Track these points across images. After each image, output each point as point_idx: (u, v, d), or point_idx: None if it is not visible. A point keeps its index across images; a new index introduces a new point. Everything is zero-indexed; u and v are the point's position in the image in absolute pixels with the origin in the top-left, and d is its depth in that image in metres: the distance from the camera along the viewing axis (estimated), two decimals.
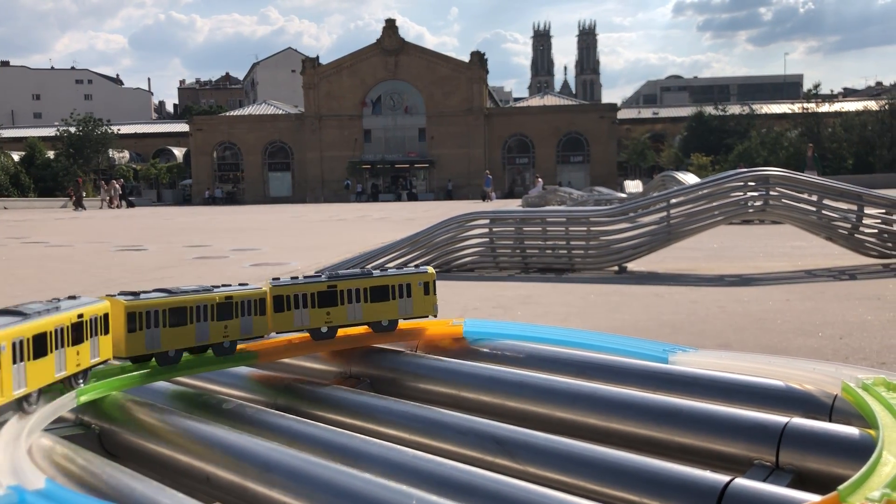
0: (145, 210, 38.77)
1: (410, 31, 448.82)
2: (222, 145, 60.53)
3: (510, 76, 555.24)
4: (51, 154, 55.14)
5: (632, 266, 7.16)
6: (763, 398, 1.38)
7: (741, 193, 6.99)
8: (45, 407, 1.24)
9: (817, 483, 1.12)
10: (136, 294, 1.45)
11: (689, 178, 15.02)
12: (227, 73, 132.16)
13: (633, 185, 26.02)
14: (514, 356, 1.78)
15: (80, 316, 1.28)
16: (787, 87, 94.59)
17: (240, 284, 1.63)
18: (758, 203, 6.99)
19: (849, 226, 7.13)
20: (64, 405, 1.30)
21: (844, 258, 7.26)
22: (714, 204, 7.04)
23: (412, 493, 1.00)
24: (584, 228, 7.29)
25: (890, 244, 7.13)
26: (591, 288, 6.06)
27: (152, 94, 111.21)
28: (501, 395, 1.56)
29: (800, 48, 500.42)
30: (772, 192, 6.93)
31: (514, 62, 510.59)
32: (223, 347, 1.58)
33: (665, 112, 68.00)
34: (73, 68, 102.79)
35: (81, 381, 1.32)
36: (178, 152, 64.06)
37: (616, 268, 7.11)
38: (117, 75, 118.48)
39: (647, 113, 68.80)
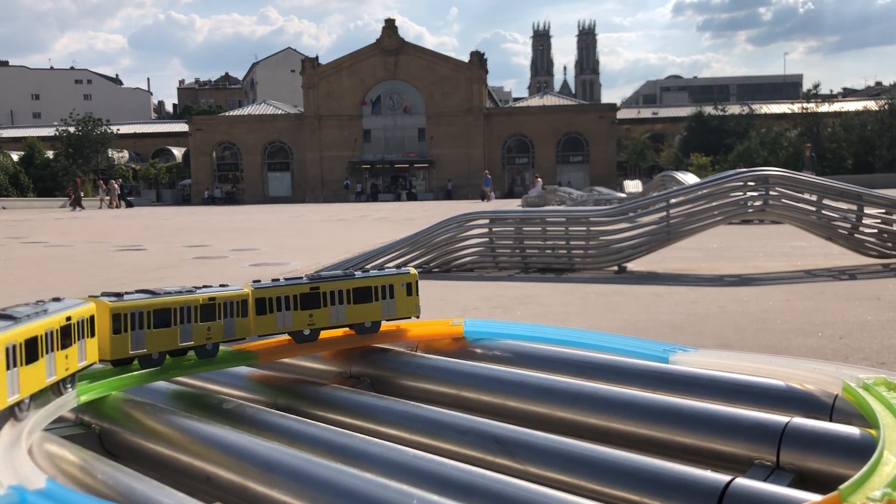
0: (144, 210, 38.76)
1: (410, 31, 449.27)
2: (222, 145, 60.50)
3: (510, 76, 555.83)
4: (50, 154, 55.14)
5: (631, 266, 7.16)
6: (763, 398, 1.38)
7: (741, 193, 6.99)
8: (46, 406, 1.24)
9: (818, 483, 1.12)
10: (119, 295, 1.43)
11: (689, 178, 15.02)
12: (227, 73, 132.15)
13: (633, 185, 26.03)
14: (514, 356, 1.78)
15: (69, 319, 1.25)
16: (787, 87, 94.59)
17: (220, 286, 1.60)
18: (757, 203, 6.99)
19: (848, 226, 7.14)
20: (64, 405, 1.29)
21: (844, 258, 7.26)
22: (714, 204, 7.04)
23: (413, 493, 1.00)
24: (584, 228, 7.29)
25: (890, 244, 7.13)
26: (590, 288, 6.06)
27: (152, 94, 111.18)
28: (502, 394, 1.56)
29: (799, 48, 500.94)
30: (771, 192, 6.94)
31: (514, 62, 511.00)
32: (206, 349, 1.55)
33: (665, 112, 68.00)
34: (72, 68, 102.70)
35: (70, 385, 1.30)
36: (178, 152, 64.02)
37: (616, 268, 7.11)
38: (116, 75, 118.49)
39: (646, 113, 68.80)
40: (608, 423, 1.39)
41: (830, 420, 1.28)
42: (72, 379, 1.31)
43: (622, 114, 63.02)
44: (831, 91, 57.29)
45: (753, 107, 59.73)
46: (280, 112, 61.53)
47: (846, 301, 4.99)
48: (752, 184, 6.97)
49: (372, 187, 58.20)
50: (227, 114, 67.16)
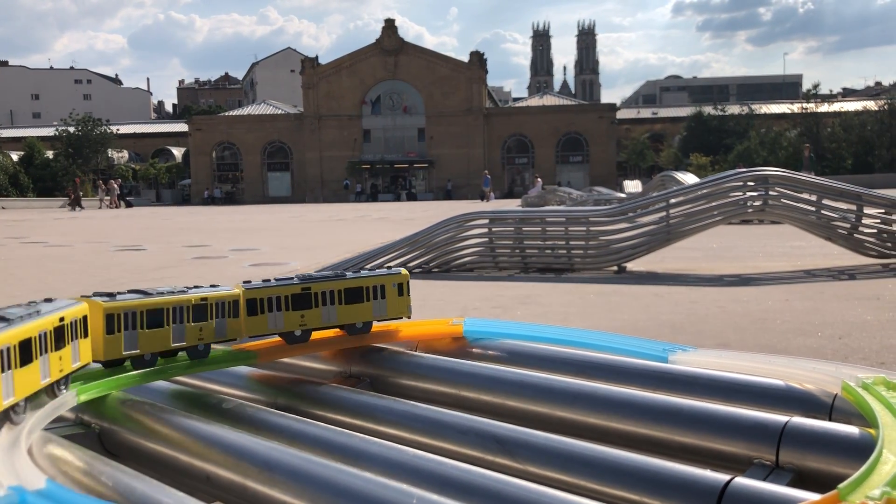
0: (144, 210, 38.76)
1: (410, 31, 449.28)
2: (221, 145, 60.50)
3: (509, 76, 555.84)
4: (50, 154, 55.14)
5: (631, 266, 7.16)
6: (763, 397, 1.38)
7: (740, 193, 6.99)
8: (45, 406, 1.24)
9: (817, 482, 1.13)
10: (111, 295, 1.41)
11: (689, 178, 15.03)
12: (227, 73, 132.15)
13: (633, 185, 26.04)
14: (514, 355, 1.78)
15: (62, 319, 1.24)
16: (787, 88, 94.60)
17: (210, 286, 1.59)
18: (757, 203, 6.99)
19: (848, 226, 7.14)
20: (64, 404, 1.29)
21: (844, 258, 7.27)
22: (713, 204, 7.04)
23: (412, 493, 1.00)
24: (584, 228, 7.29)
25: (889, 244, 7.13)
26: (590, 288, 6.06)
27: (151, 93, 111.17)
28: (501, 394, 1.56)
29: (799, 48, 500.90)
30: (771, 192, 6.94)
31: (514, 62, 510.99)
32: (197, 350, 1.54)
33: (664, 112, 68.01)
34: (72, 68, 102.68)
35: (64, 387, 1.29)
36: (178, 152, 64.02)
37: (615, 268, 7.11)
38: (116, 75, 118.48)
39: (646, 113, 68.80)
40: (608, 423, 1.39)
41: (830, 419, 1.28)
42: (66, 380, 1.29)
43: (622, 114, 63.03)
44: (831, 91, 57.43)
45: (753, 107, 59.72)
46: (280, 112, 61.54)
47: (846, 301, 4.99)
48: (752, 184, 6.98)
49: (372, 187, 58.20)
50: (226, 114, 67.16)
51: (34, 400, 1.21)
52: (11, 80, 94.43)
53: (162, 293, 1.48)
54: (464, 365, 1.70)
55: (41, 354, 1.18)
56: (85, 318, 1.33)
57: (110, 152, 59.36)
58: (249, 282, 1.64)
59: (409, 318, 1.84)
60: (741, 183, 6.99)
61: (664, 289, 5.82)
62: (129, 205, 45.15)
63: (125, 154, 62.97)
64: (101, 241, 13.40)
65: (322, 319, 1.68)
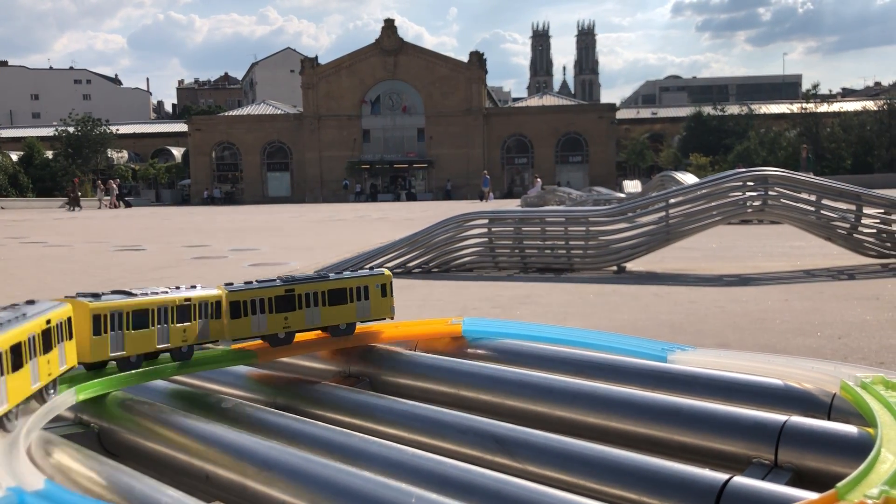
0: (144, 210, 38.76)
1: (409, 31, 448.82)
2: (221, 145, 60.48)
3: (509, 76, 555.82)
4: (49, 154, 55.14)
5: (631, 266, 7.17)
6: (762, 397, 1.39)
7: (740, 193, 6.99)
8: (44, 405, 1.24)
9: (816, 481, 1.13)
10: (97, 295, 1.39)
11: (688, 178, 15.03)
12: (226, 73, 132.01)
13: (632, 185, 26.03)
14: (513, 355, 1.78)
15: (48, 322, 1.21)
16: (786, 88, 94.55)
17: (190, 287, 1.57)
18: (756, 203, 6.99)
19: (847, 226, 7.14)
20: (62, 403, 1.29)
21: (843, 258, 7.27)
22: (713, 204, 7.04)
23: (412, 492, 1.00)
24: (583, 228, 7.29)
25: (888, 244, 7.13)
26: (589, 288, 6.07)
27: (151, 94, 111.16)
28: (501, 393, 1.57)
29: (798, 48, 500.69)
30: (770, 192, 6.94)
31: (513, 62, 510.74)
32: (181, 352, 1.52)
33: (664, 112, 68.01)
34: (71, 68, 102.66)
35: (52, 391, 1.26)
36: (177, 152, 64.01)
37: (615, 267, 7.11)
38: (116, 75, 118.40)
39: (645, 113, 68.80)
40: (607, 422, 1.40)
41: (828, 419, 1.28)
42: (54, 385, 1.26)
43: (621, 114, 63.03)
44: (830, 91, 57.45)
45: (752, 107, 59.69)
46: (279, 112, 61.53)
47: (845, 301, 4.99)
48: (752, 184, 6.98)
49: (371, 187, 58.20)
50: (226, 114, 67.15)
51: (24, 405, 1.18)
52: (11, 80, 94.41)
53: (146, 293, 1.46)
54: (463, 364, 1.70)
55: (30, 359, 1.15)
56: (69, 319, 1.30)
57: (110, 152, 59.35)
58: (231, 284, 1.61)
59: (392, 318, 1.83)
60: (741, 183, 6.99)
61: (664, 289, 5.82)
62: (127, 205, 45.14)
63: (125, 154, 62.96)
64: (101, 242, 13.40)
65: (306, 321, 1.66)
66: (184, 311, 1.50)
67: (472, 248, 7.54)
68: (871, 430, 1.13)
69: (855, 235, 7.16)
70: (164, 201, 58.47)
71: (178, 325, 1.49)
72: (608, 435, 1.38)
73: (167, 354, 1.52)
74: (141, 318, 1.43)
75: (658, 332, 3.98)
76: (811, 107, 48.68)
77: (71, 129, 55.90)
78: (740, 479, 1.04)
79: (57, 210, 37.24)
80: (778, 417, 1.23)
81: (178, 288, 1.53)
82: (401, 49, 58.51)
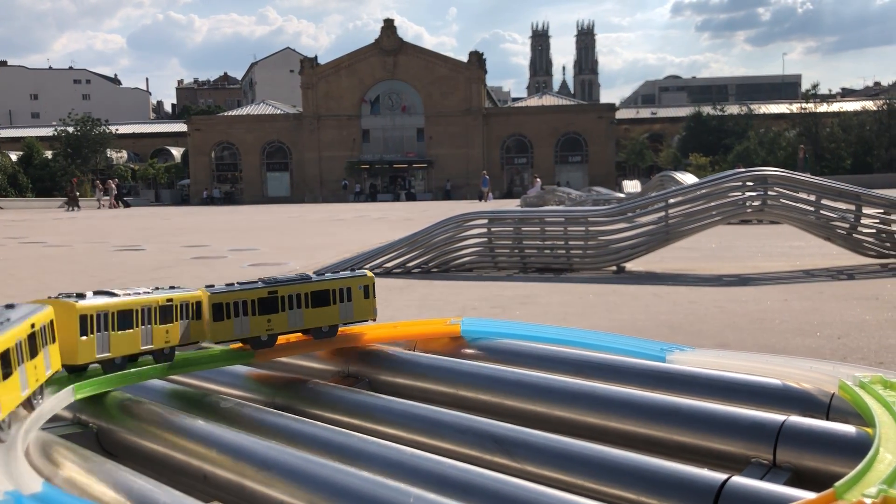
0: (143, 210, 38.74)
1: (409, 31, 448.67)
2: (220, 145, 60.47)
3: (508, 76, 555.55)
4: (49, 154, 55.13)
5: (630, 266, 7.16)
6: (760, 397, 1.39)
7: (739, 193, 6.99)
8: (43, 405, 1.24)
9: (814, 481, 1.13)
10: (81, 296, 1.36)
11: (688, 178, 15.03)
12: (226, 73, 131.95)
13: (632, 185, 26.05)
14: (513, 355, 1.78)
15: (33, 326, 1.17)
16: (786, 88, 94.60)
17: (170, 287, 1.55)
18: (756, 203, 6.99)
19: (847, 226, 7.14)
20: (61, 402, 1.29)
21: (842, 258, 7.27)
22: (712, 204, 7.04)
23: (410, 492, 1.00)
24: (583, 228, 7.29)
25: (888, 244, 7.13)
26: (589, 288, 6.06)
27: (150, 93, 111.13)
28: (500, 393, 1.57)
29: (798, 48, 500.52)
30: (770, 192, 6.94)
31: (513, 62, 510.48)
32: (163, 354, 1.51)
33: (663, 112, 68.02)
34: (71, 68, 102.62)
35: (40, 397, 1.23)
36: (176, 152, 63.99)
37: (614, 268, 7.11)
38: (115, 75, 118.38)
39: (645, 113, 68.81)
40: (606, 422, 1.39)
41: (827, 419, 1.28)
42: (41, 391, 1.23)
43: (621, 114, 63.05)
44: (830, 91, 57.54)
45: (752, 107, 59.70)
46: (279, 112, 61.52)
47: (844, 301, 4.99)
48: (751, 184, 6.98)
49: (371, 187, 58.19)
50: (225, 114, 67.12)
51: (12, 412, 1.15)
52: (10, 80, 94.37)
53: (129, 294, 1.44)
54: (462, 364, 1.70)
55: (19, 365, 1.11)
56: (52, 322, 1.27)
57: (109, 152, 59.34)
58: (213, 286, 1.59)
59: (374, 320, 1.81)
60: (740, 183, 6.99)
61: (663, 289, 5.82)
62: (126, 205, 45.11)
63: (124, 154, 62.95)
64: (101, 242, 13.40)
65: (289, 323, 1.65)
66: (166, 311, 1.48)
67: (471, 248, 7.53)
68: (869, 430, 1.13)
69: (854, 235, 7.16)
70: (164, 201, 58.44)
71: (161, 325, 1.48)
72: (607, 435, 1.38)
73: (149, 357, 1.50)
74: (126, 318, 1.41)
75: (657, 332, 3.98)
76: (811, 107, 48.69)
77: (70, 129, 55.89)
78: (739, 479, 1.04)
79: (56, 210, 37.23)
80: (776, 417, 1.23)
81: (158, 289, 1.51)
82: (400, 49, 58.51)
